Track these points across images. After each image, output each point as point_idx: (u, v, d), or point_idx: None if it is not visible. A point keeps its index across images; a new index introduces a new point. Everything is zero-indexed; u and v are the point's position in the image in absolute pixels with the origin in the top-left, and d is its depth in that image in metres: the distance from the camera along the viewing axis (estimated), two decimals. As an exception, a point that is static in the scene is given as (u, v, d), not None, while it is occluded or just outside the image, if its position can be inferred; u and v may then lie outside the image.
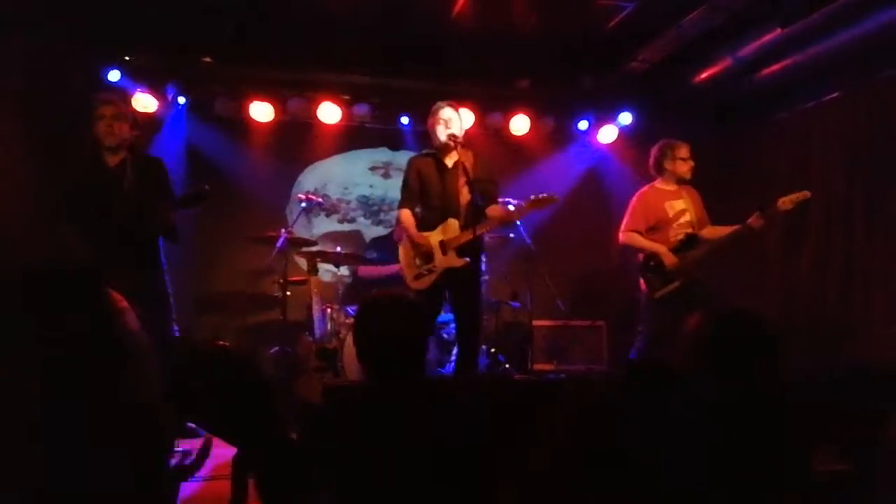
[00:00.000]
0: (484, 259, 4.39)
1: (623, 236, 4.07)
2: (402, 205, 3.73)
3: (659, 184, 4.06)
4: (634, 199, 4.09)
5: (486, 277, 4.55)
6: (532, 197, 3.64)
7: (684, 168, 4.00)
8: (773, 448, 1.44)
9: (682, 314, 3.55)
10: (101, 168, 3.46)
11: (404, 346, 1.60)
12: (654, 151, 4.09)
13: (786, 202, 3.63)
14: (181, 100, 4.99)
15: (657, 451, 1.13)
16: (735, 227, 3.80)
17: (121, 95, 3.71)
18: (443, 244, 3.59)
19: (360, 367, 1.64)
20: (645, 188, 4.11)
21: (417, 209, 3.73)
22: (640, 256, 4.00)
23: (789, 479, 1.45)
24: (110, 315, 0.71)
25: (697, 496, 1.16)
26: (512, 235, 4.83)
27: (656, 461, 1.12)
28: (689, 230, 3.93)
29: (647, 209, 4.01)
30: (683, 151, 4.01)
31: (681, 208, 3.98)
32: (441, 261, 3.57)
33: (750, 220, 3.70)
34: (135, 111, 3.56)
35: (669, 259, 3.87)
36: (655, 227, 4.00)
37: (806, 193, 3.63)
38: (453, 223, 3.60)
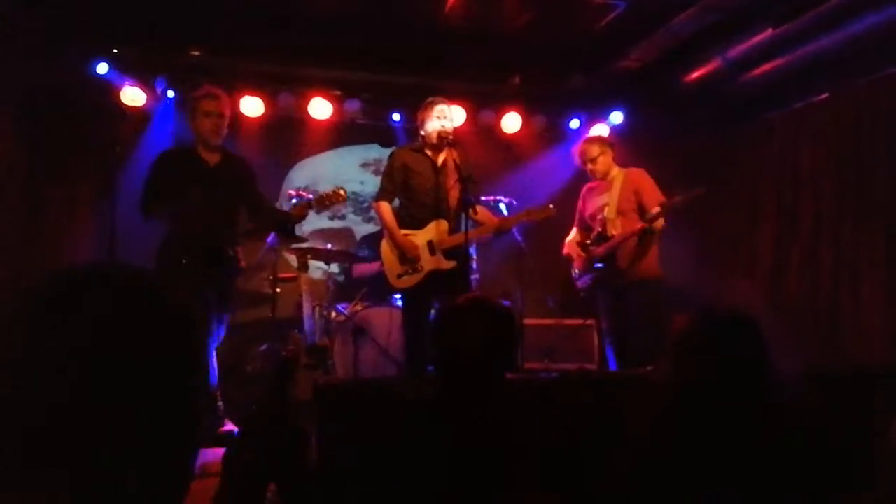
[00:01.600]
0: (475, 257, 4.39)
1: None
2: (381, 197, 3.65)
3: (591, 182, 4.16)
4: None
5: (476, 275, 4.55)
6: (529, 207, 3.68)
7: (590, 169, 4.02)
8: (763, 447, 1.44)
9: (613, 310, 3.91)
10: (202, 168, 3.30)
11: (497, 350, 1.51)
12: None
13: (677, 200, 3.68)
14: (170, 93, 4.94)
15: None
16: (635, 228, 3.79)
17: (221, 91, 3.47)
18: (431, 245, 3.55)
19: (444, 374, 1.54)
20: (584, 186, 4.26)
21: (396, 202, 3.70)
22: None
23: (781, 478, 1.45)
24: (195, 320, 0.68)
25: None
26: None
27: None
28: (601, 228, 3.95)
29: (580, 209, 4.20)
30: (590, 151, 4.01)
31: (601, 204, 4.00)
32: (428, 262, 3.53)
33: (651, 219, 3.70)
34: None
35: (565, 249, 4.13)
36: (584, 225, 4.15)
37: (699, 191, 3.67)
38: (443, 224, 3.56)
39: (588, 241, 4.02)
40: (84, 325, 0.60)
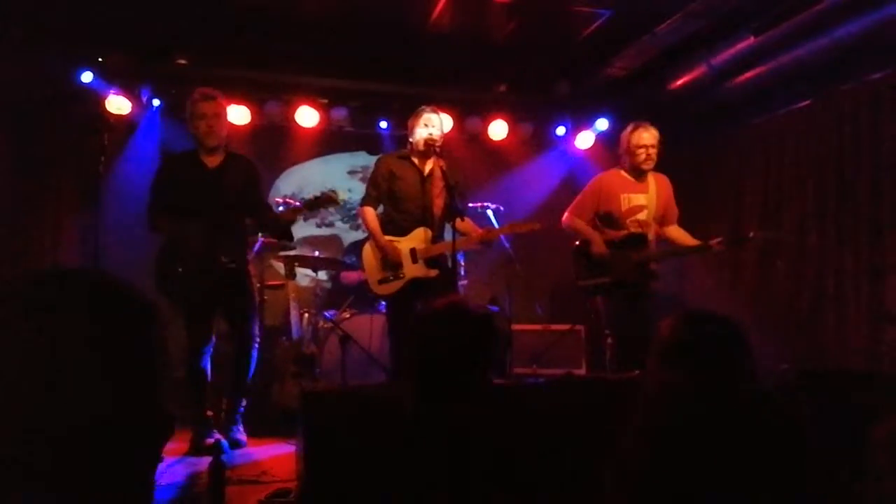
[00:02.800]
0: (462, 263, 4.39)
1: (566, 219, 3.80)
2: (366, 202, 3.66)
3: (622, 172, 3.78)
4: (591, 181, 3.85)
5: (464, 282, 4.55)
6: (514, 221, 3.72)
7: (640, 157, 3.65)
8: (750, 448, 1.44)
9: (626, 314, 3.60)
10: (202, 172, 3.28)
11: (473, 359, 1.48)
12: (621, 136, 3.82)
13: (758, 238, 3.58)
14: (155, 102, 4.91)
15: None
16: (694, 244, 3.70)
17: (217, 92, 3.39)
18: (414, 252, 3.55)
19: (413, 384, 1.49)
20: (606, 172, 3.87)
21: (380, 208, 3.70)
22: (577, 241, 3.75)
23: (767, 480, 1.46)
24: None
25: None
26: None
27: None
28: (639, 230, 3.68)
29: (600, 195, 3.75)
30: (643, 138, 3.66)
31: (638, 203, 3.71)
32: (410, 269, 3.54)
33: (713, 243, 3.57)
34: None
35: (597, 248, 3.61)
36: (607, 218, 3.75)
37: (790, 239, 3.53)
38: (428, 232, 3.57)
39: (616, 240, 3.67)
40: (48, 322, 0.63)
